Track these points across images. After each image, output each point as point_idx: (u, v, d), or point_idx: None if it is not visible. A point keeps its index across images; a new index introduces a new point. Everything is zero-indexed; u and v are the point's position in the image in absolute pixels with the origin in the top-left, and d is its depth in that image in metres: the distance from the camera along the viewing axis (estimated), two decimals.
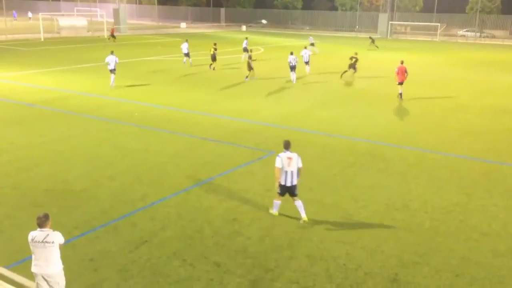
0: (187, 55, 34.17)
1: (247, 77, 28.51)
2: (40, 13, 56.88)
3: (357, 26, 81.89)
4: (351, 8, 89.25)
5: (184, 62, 34.53)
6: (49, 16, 60.87)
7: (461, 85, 28.97)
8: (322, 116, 20.24)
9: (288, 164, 9.90)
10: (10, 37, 52.73)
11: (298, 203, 10.19)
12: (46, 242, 6.61)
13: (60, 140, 15.84)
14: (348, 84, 28.02)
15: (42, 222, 6.70)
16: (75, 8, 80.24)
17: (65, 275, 6.94)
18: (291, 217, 10.46)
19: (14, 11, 79.24)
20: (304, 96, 24.57)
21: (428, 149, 15.74)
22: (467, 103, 23.61)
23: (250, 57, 28.93)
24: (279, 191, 10.21)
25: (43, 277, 6.72)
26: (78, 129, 17.21)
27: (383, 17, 73.21)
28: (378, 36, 72.37)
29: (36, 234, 6.66)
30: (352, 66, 29.72)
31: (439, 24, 70.57)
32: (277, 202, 10.44)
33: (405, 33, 79.69)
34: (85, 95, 23.55)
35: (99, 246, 9.06)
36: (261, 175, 12.94)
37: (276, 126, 18.18)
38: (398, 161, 14.46)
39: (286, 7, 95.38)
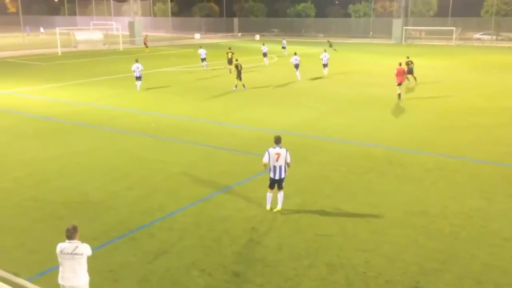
0: (204, 60, 37.09)
1: (235, 86, 28.44)
2: (57, 28, 57.83)
3: (371, 32, 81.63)
4: (365, 15, 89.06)
5: (204, 67, 37.33)
6: (66, 31, 61.84)
7: (478, 89, 28.64)
8: (336, 122, 20.17)
9: (276, 160, 10.56)
10: (28, 52, 53.68)
11: (280, 194, 10.94)
12: (75, 254, 6.68)
13: (77, 152, 16.02)
14: (362, 91, 27.86)
15: (71, 234, 6.78)
16: (91, 22, 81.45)
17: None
18: (308, 226, 10.41)
19: (27, 27, 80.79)
20: (318, 103, 24.52)
21: (446, 154, 15.56)
22: (484, 106, 23.33)
23: (238, 66, 28.52)
24: (269, 183, 10.88)
25: None
26: (95, 141, 17.39)
27: (397, 23, 72.88)
28: (393, 42, 72.02)
29: (65, 246, 6.73)
30: (410, 71, 28.32)
31: (454, 28, 70.01)
32: (269, 195, 11.01)
33: (420, 38, 79.15)
34: (102, 107, 23.82)
35: (119, 257, 9.11)
36: None
37: (290, 134, 18.15)
38: (415, 166, 14.32)
39: (299, 15, 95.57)
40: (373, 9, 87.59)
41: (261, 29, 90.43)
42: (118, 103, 24.58)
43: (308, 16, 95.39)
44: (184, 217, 10.88)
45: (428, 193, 12.29)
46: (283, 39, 56.92)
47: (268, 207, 11.09)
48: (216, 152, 15.83)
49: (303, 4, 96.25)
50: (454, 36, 69.54)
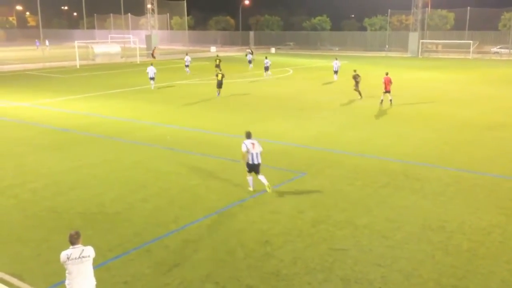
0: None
1: (218, 93, 30.10)
2: (76, 41, 58.79)
3: (387, 46, 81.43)
4: (381, 28, 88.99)
5: (187, 72, 42.91)
6: (84, 44, 62.83)
7: (495, 103, 28.33)
8: (352, 136, 20.07)
9: (252, 148, 12.73)
10: (47, 64, 54.60)
11: (261, 177, 12.85)
12: (83, 257, 6.76)
13: (94, 164, 16.17)
14: (377, 104, 27.74)
15: (75, 239, 6.85)
16: (109, 35, 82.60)
17: None
18: (323, 240, 10.33)
19: (36, 40, 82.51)
20: (333, 116, 24.47)
21: (464, 169, 15.37)
22: (502, 120, 23.05)
23: (219, 76, 30.31)
24: (248, 169, 12.90)
25: None
26: (112, 153, 17.55)
27: (413, 36, 72.62)
28: (409, 55, 71.70)
29: (71, 252, 6.78)
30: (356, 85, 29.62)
31: (471, 41, 69.51)
32: (249, 178, 13.03)
33: (436, 51, 78.75)
34: (118, 119, 24.06)
35: (133, 269, 9.13)
36: (292, 197, 12.87)
37: (306, 147, 18.11)
38: (433, 181, 14.16)
39: (314, 28, 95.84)
40: (389, 22, 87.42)
41: (277, 43, 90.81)
42: (134, 115, 24.81)
43: (323, 29, 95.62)
44: (198, 229, 10.88)
45: (446, 208, 12.13)
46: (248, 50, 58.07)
47: (251, 189, 13.06)
48: (232, 165, 15.84)
49: (319, 18, 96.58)
50: (471, 50, 69.00)
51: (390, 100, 27.03)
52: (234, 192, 13.29)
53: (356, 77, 29.29)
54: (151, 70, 33.79)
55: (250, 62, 48.46)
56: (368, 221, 11.31)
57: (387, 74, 27.24)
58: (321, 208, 12.08)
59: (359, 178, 14.44)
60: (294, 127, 21.86)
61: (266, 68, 40.98)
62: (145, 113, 25.51)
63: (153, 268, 9.15)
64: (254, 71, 45.79)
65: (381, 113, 25.22)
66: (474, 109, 26.12)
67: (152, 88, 34.01)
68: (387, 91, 26.89)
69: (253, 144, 12.78)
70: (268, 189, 12.87)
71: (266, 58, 42.44)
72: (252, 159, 12.73)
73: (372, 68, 49.35)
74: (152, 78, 33.92)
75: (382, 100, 27.13)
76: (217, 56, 44.83)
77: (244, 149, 12.78)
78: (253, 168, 12.88)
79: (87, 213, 11.90)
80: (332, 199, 12.80)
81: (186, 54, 46.56)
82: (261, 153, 12.90)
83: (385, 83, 26.86)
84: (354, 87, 29.36)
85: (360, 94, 29.31)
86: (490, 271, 8.99)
